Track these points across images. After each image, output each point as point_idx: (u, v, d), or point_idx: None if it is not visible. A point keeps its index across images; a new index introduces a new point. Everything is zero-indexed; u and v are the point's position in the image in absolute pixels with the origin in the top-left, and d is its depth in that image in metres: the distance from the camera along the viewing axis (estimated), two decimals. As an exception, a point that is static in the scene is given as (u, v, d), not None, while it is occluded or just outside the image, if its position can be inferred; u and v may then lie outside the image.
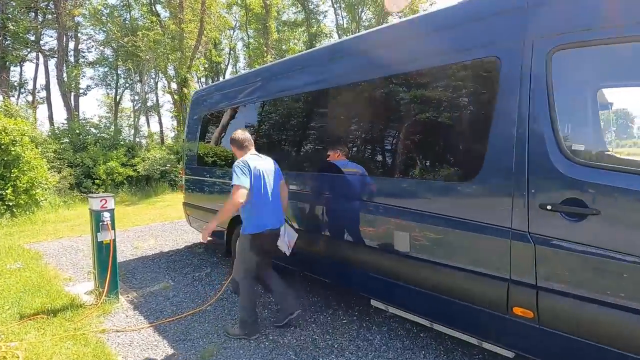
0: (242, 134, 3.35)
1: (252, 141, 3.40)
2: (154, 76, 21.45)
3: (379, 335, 3.21)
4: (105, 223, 3.84)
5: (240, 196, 2.97)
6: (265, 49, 22.71)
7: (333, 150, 3.48)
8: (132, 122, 19.13)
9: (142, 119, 24.61)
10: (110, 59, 22.40)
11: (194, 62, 18.01)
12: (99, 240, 3.86)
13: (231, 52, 30.27)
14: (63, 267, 5.24)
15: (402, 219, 2.81)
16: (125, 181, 12.73)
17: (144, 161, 13.45)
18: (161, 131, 25.79)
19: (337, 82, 3.46)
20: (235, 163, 3.13)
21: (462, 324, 2.56)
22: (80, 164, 12.08)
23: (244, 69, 29.21)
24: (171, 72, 20.78)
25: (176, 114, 20.26)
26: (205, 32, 18.23)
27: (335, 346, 3.05)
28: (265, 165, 3.25)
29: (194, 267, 5.14)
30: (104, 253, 3.89)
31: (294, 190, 3.76)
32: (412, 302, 2.83)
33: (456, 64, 2.56)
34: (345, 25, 28.88)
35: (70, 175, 11.47)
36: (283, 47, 27.38)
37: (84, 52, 22.70)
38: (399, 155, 3.04)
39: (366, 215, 3.12)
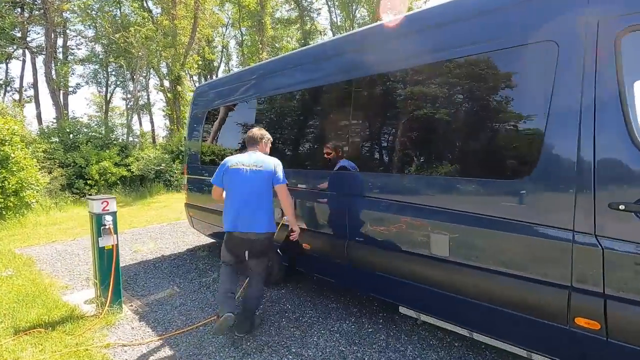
0: (250, 132, 3.29)
1: (260, 140, 3.24)
2: (145, 74, 20.89)
3: (410, 345, 2.97)
4: (107, 227, 3.54)
5: (213, 192, 3.23)
6: (260, 46, 22.33)
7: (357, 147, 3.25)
8: (124, 121, 18.62)
9: (134, 117, 24.03)
10: (101, 56, 21.79)
11: (187, 59, 17.59)
12: (100, 246, 3.56)
13: (224, 49, 29.82)
14: (59, 274, 4.91)
15: (441, 221, 2.58)
16: (118, 181, 12.32)
17: (137, 161, 13.03)
18: (153, 130, 25.28)
19: (370, 71, 3.17)
20: None
21: (512, 335, 2.33)
22: (72, 164, 11.64)
23: (237, 67, 28.80)
24: (164, 69, 20.30)
25: (169, 113, 19.80)
26: (198, 28, 17.81)
27: (365, 358, 2.81)
28: (252, 166, 3.03)
29: (199, 272, 4.85)
30: (105, 260, 3.58)
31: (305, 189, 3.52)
32: (452, 310, 2.61)
33: (505, 50, 2.31)
34: (339, 23, 28.63)
35: (61, 176, 11.03)
36: (276, 44, 27.01)
37: (73, 49, 22.06)
38: (437, 151, 2.80)
39: (391, 216, 2.88)
